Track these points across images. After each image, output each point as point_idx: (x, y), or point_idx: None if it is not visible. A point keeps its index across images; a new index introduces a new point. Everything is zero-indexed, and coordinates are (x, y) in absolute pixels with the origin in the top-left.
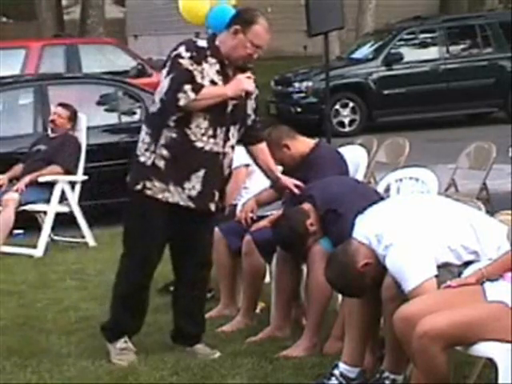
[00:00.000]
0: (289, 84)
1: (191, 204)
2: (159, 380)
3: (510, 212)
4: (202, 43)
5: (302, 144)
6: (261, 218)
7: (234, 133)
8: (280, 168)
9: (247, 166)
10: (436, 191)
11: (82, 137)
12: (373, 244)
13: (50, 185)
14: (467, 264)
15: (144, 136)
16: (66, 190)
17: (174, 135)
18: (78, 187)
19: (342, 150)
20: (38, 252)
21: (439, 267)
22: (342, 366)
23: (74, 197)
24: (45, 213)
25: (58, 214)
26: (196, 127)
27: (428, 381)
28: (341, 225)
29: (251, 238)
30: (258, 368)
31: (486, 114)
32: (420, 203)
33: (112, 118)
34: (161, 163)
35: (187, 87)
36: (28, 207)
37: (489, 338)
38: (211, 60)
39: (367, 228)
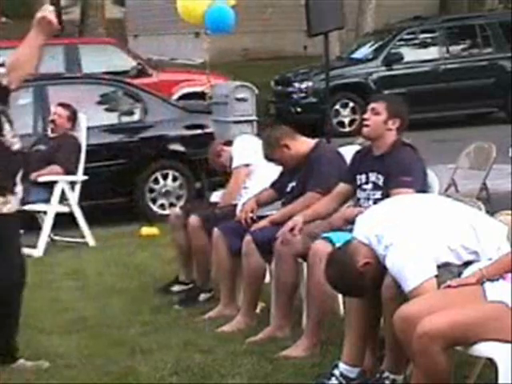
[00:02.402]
0: (289, 84)
1: (21, 205)
2: (159, 380)
3: (509, 212)
4: None
5: (302, 144)
6: (261, 217)
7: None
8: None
9: (247, 165)
10: (436, 191)
11: (81, 137)
12: (373, 244)
13: (50, 185)
14: (467, 264)
15: None
16: (66, 190)
17: None
18: (77, 187)
19: (342, 149)
20: (38, 252)
21: (439, 267)
22: (342, 366)
23: (74, 197)
24: (45, 213)
25: (57, 214)
26: (8, 133)
27: (428, 381)
28: None
29: (251, 238)
30: (258, 368)
31: (486, 114)
32: (420, 203)
33: (112, 118)
34: None
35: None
36: (28, 207)
37: (489, 338)
38: None
39: (367, 228)
